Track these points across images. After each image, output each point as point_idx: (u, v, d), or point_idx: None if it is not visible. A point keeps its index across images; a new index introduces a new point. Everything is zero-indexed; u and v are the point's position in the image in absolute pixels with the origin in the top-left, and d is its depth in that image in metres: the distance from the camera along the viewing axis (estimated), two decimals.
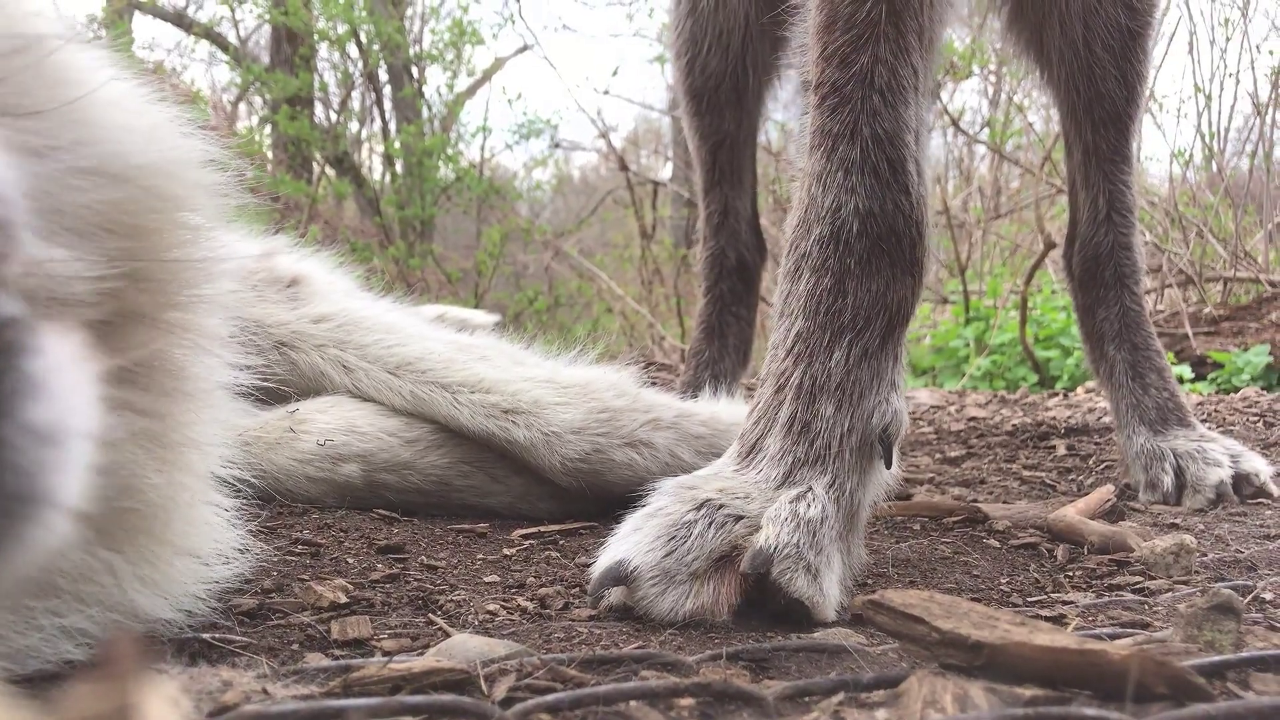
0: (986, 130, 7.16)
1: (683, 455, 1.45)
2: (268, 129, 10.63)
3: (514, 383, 1.46)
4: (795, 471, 1.08)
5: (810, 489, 1.06)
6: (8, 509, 0.43)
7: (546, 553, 1.28)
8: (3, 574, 0.43)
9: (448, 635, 0.91)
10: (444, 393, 1.46)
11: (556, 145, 11.19)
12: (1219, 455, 1.70)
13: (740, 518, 1.03)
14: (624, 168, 8.66)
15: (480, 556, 1.25)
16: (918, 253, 1.16)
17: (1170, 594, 1.09)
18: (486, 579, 1.15)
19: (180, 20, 11.57)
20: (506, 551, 1.28)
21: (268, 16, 10.37)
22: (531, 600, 1.06)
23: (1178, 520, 1.53)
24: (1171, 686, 0.64)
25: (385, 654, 0.87)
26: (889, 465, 1.14)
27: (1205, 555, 1.27)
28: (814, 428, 1.10)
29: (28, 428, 0.44)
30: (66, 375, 0.47)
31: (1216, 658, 0.74)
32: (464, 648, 0.84)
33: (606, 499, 1.43)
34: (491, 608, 1.03)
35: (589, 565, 1.22)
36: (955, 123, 6.78)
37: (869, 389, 1.12)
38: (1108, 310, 1.87)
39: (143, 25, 13.02)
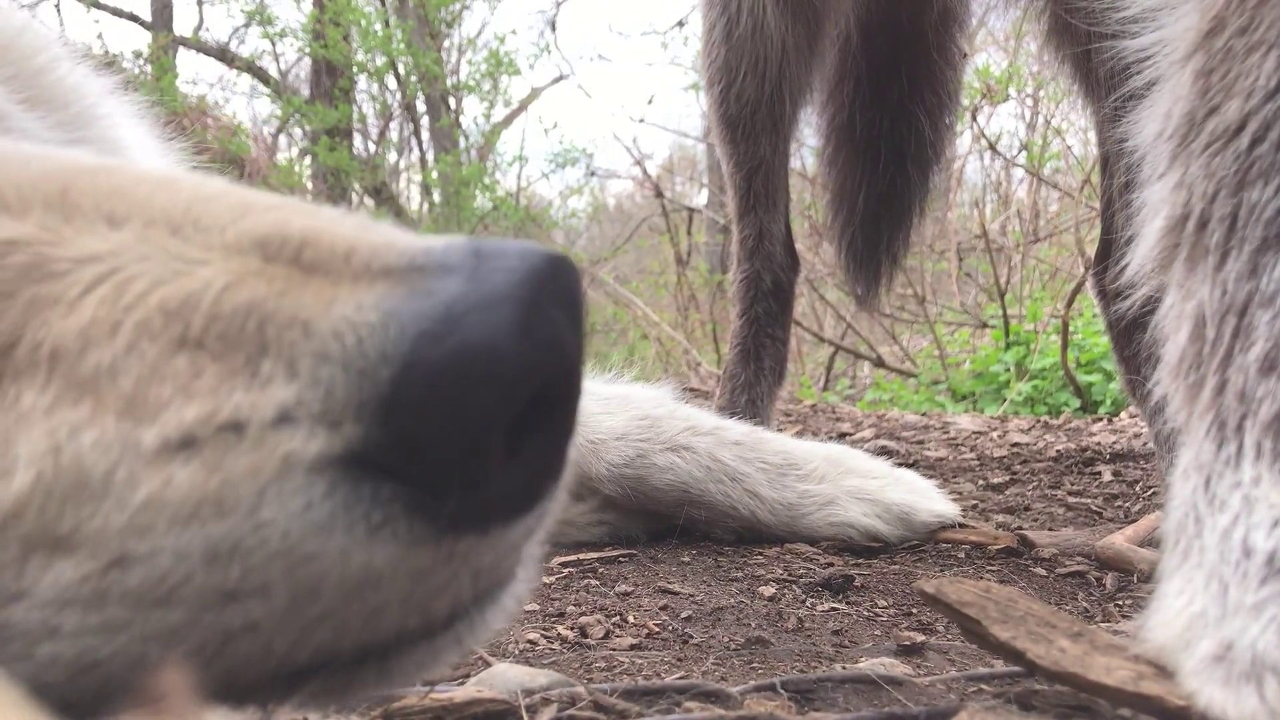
0: (1024, 154, 7.11)
1: (723, 457, 1.45)
2: (307, 160, 10.79)
3: None
4: None
5: None
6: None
7: (586, 580, 1.27)
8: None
9: (488, 664, 0.90)
10: None
11: (592, 173, 11.26)
12: None
13: None
14: (659, 195, 8.69)
15: None
16: None
17: None
18: (526, 607, 1.14)
19: (223, 55, 11.82)
20: (545, 579, 1.27)
21: (308, 50, 10.55)
22: (572, 629, 1.05)
23: None
24: None
25: (426, 684, 0.86)
26: None
27: None
28: None
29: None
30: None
31: None
32: (504, 677, 0.83)
33: (651, 512, 1.45)
34: (532, 636, 1.02)
35: (629, 593, 1.21)
36: (993, 146, 6.74)
37: None
38: (1145, 333, 1.84)
39: (187, 60, 13.29)
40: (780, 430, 2.13)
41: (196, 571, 0.44)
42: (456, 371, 0.44)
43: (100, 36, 10.36)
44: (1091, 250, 5.20)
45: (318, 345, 0.45)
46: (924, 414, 4.03)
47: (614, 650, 0.98)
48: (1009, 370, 5.11)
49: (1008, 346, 5.29)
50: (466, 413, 0.44)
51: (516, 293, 0.45)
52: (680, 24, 10.54)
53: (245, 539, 0.43)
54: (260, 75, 11.90)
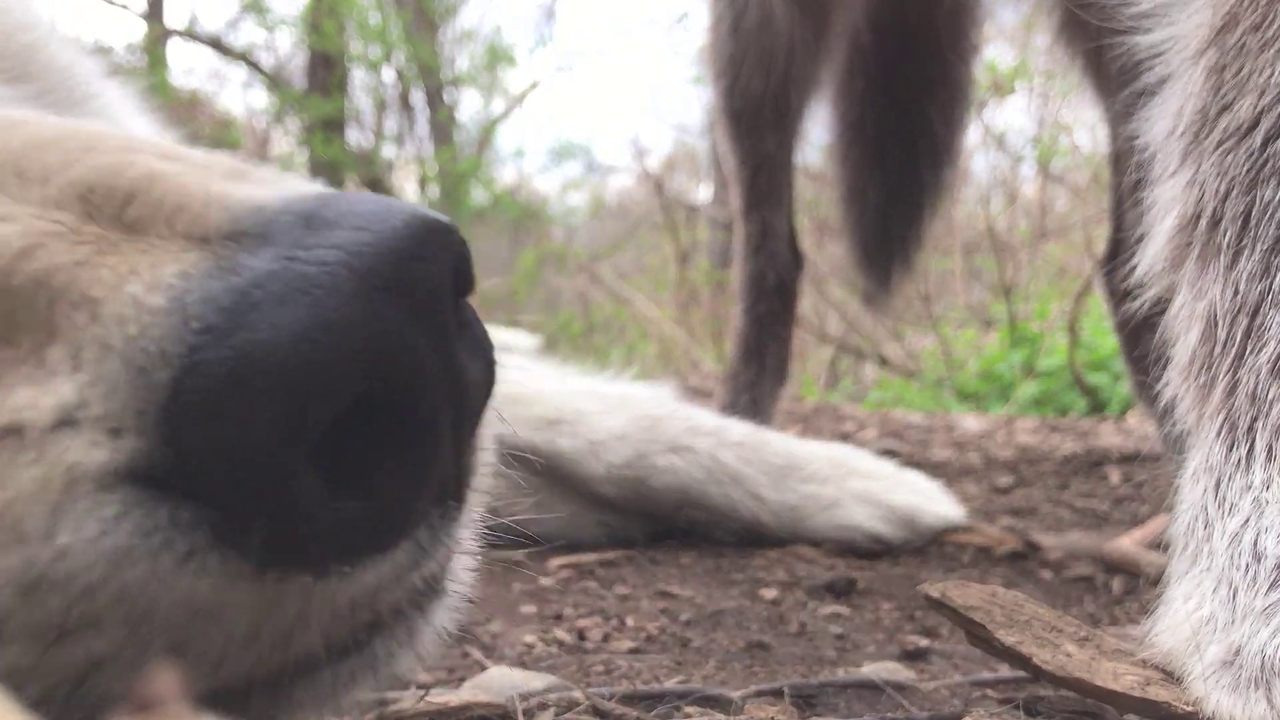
0: (1032, 149, 7.08)
1: (725, 458, 1.43)
2: (303, 152, 10.76)
3: (556, 395, 1.46)
4: None
5: None
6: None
7: (584, 583, 1.26)
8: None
9: (484, 668, 0.89)
10: None
11: (590, 169, 11.25)
12: None
13: None
14: (660, 191, 8.68)
15: (517, 586, 1.23)
16: None
17: None
18: (523, 610, 1.13)
19: (217, 45, 11.78)
20: (544, 581, 1.26)
21: (305, 42, 10.53)
22: (570, 632, 1.04)
23: None
24: None
25: (421, 687, 0.85)
26: None
27: None
28: None
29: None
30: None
31: None
32: (501, 681, 0.82)
33: (650, 513, 1.43)
34: (529, 639, 1.01)
35: (628, 596, 1.20)
36: (1000, 142, 6.72)
37: None
38: (1154, 333, 1.82)
39: (180, 51, 13.26)
40: (782, 430, 2.12)
41: (16, 605, 0.37)
42: (234, 378, 0.36)
43: (93, 27, 10.35)
44: (1100, 248, 5.18)
45: (101, 332, 0.36)
46: (929, 414, 4.01)
47: (612, 654, 0.97)
48: (1015, 370, 5.09)
49: (1014, 346, 5.27)
50: (248, 429, 0.36)
51: (331, 278, 0.37)
52: (683, 17, 10.52)
53: (49, 569, 0.37)
54: (255, 66, 11.87)
